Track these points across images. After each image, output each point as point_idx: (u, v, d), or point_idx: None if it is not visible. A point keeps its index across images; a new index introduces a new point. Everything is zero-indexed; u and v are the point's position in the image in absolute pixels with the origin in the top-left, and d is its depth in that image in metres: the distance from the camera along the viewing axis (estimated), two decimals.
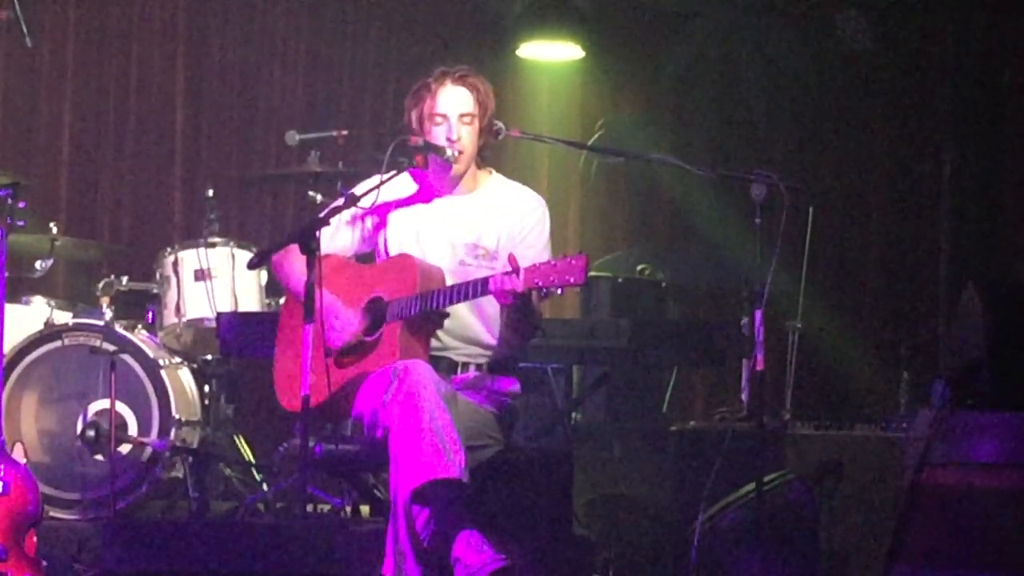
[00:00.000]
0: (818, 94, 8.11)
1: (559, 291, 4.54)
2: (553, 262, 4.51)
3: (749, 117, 8.21)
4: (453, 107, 4.95)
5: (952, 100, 7.81)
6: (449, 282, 4.86)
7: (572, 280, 4.47)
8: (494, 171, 5.16)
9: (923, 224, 7.89)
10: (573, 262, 4.47)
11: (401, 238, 5.05)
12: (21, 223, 5.34)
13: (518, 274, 4.55)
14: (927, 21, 7.89)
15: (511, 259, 4.58)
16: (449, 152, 4.93)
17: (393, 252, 5.04)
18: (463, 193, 5.08)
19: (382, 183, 4.91)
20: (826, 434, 5.87)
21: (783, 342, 6.23)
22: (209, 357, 6.94)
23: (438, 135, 4.95)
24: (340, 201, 4.89)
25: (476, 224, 5.02)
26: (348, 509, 6.14)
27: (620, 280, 6.96)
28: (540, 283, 4.51)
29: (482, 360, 4.99)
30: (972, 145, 7.74)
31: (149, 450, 6.49)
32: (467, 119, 4.96)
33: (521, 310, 4.76)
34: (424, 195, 5.11)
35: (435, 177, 5.07)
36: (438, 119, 4.95)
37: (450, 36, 8.54)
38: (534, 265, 4.54)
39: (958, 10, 7.76)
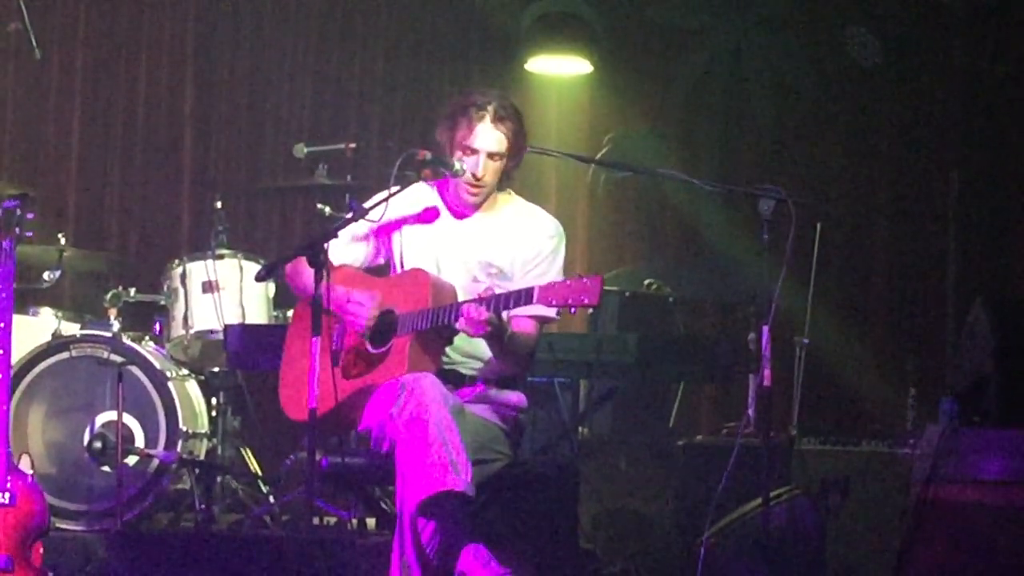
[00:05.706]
0: (826, 110, 8.11)
1: (572, 311, 4.54)
2: (568, 281, 4.51)
3: (757, 132, 8.20)
4: (486, 145, 4.95)
5: (960, 116, 7.81)
6: (461, 299, 4.86)
7: (587, 300, 4.45)
8: (513, 192, 5.17)
9: (931, 240, 7.87)
10: (588, 283, 4.46)
11: (417, 254, 5.06)
12: (29, 234, 5.32)
13: (488, 305, 4.57)
14: (935, 38, 7.89)
15: (485, 291, 4.62)
16: (457, 166, 4.94)
17: (408, 267, 5.05)
18: (481, 213, 5.09)
19: (390, 196, 4.92)
20: (833, 450, 5.85)
21: (790, 357, 6.20)
22: (216, 369, 6.94)
23: (464, 163, 4.96)
24: (350, 214, 4.90)
25: (491, 244, 5.03)
26: (354, 522, 6.14)
27: (627, 295, 6.95)
28: (554, 302, 4.50)
29: (489, 374, 4.99)
30: (980, 161, 7.73)
31: (156, 462, 6.49)
32: (496, 158, 4.97)
33: (495, 340, 4.75)
34: (443, 213, 5.12)
35: (453, 196, 5.08)
36: (469, 151, 4.97)
37: (459, 50, 8.56)
38: (550, 283, 4.54)
39: (966, 27, 7.76)
